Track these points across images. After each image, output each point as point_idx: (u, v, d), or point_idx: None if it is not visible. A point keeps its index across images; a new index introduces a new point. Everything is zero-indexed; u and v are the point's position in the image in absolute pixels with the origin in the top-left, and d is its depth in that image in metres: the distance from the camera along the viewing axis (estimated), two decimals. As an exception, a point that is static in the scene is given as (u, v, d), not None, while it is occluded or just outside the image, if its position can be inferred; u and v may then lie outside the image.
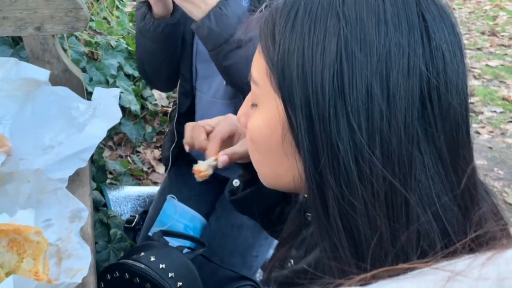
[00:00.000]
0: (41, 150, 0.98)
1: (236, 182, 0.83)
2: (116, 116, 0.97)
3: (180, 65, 1.20)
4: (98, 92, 1.07)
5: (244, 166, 0.81)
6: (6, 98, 1.07)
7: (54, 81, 1.16)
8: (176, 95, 1.38)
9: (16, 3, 1.05)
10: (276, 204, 0.83)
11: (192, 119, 1.25)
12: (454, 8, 6.02)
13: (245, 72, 0.98)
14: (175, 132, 1.26)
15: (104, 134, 0.95)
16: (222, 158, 0.76)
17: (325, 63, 0.43)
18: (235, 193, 0.83)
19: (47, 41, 1.12)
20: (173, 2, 1.01)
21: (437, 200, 0.43)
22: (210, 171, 0.76)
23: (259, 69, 0.51)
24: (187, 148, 0.82)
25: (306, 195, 0.65)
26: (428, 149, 0.43)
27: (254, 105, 0.55)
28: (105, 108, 1.00)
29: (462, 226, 0.44)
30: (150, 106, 2.06)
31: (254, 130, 0.54)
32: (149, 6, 1.06)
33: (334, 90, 0.43)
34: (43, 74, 1.09)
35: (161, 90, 1.62)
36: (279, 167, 0.53)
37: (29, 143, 1.00)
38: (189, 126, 0.82)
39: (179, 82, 1.24)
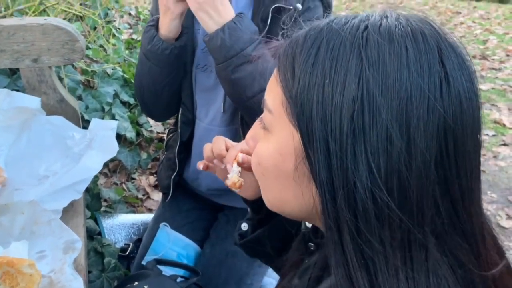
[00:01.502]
0: (36, 180, 0.99)
1: (244, 226, 0.83)
2: (112, 149, 0.98)
3: (182, 94, 1.21)
4: (95, 123, 1.08)
5: (252, 207, 0.81)
6: (1, 129, 1.08)
7: (50, 111, 1.18)
8: (171, 121, 1.39)
9: (14, 36, 1.08)
10: (290, 240, 0.79)
11: (191, 147, 1.26)
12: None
13: (251, 87, 1.02)
14: (177, 161, 1.27)
15: (100, 166, 0.96)
16: (241, 155, 0.72)
17: (345, 102, 0.44)
18: (244, 237, 0.82)
19: (43, 72, 1.15)
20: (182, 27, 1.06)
21: (452, 247, 0.45)
22: (241, 179, 0.72)
23: (274, 97, 0.52)
24: (200, 167, 0.81)
25: (311, 225, 0.66)
26: (443, 192, 0.45)
27: (265, 129, 0.55)
28: (102, 140, 1.01)
29: (475, 266, 0.46)
30: (145, 133, 2.07)
31: (263, 155, 0.55)
32: (157, 29, 1.09)
33: (353, 130, 0.44)
34: (35, 101, 1.11)
35: (157, 119, 1.63)
36: (286, 193, 0.54)
37: (24, 173, 1.01)
38: (208, 145, 0.82)
39: (180, 112, 1.25)
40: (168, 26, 1.06)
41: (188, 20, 1.12)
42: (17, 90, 1.24)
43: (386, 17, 0.48)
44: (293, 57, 0.49)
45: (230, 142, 0.78)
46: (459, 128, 0.45)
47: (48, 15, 2.18)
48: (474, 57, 4.98)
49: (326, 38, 0.47)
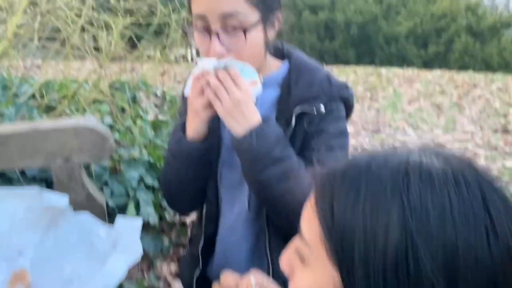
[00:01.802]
0: (61, 284, 0.99)
1: None
2: (137, 250, 0.99)
3: (207, 190, 1.22)
4: (121, 221, 1.09)
5: None
6: (28, 228, 1.10)
7: (77, 207, 1.19)
8: (194, 214, 1.39)
9: (48, 138, 1.13)
10: None
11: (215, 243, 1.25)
12: (464, 107, 6.18)
13: (277, 189, 1.03)
14: (200, 258, 1.25)
15: (124, 272, 0.95)
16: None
17: (388, 251, 0.43)
18: None
19: (73, 171, 1.18)
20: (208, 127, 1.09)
21: None
22: None
23: (310, 228, 0.51)
24: None
25: None
26: None
27: (301, 259, 0.54)
28: (126, 242, 1.02)
29: None
30: (168, 217, 2.07)
31: None
32: (184, 131, 1.12)
33: (398, 280, 0.43)
34: (63, 200, 1.14)
35: (181, 213, 1.64)
36: None
37: (49, 275, 1.01)
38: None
39: (205, 207, 1.25)
40: (196, 129, 1.09)
41: (214, 120, 1.15)
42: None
43: (425, 156, 0.48)
44: (332, 195, 0.49)
45: (238, 277, 0.78)
46: (508, 276, 0.43)
47: (80, 102, 2.29)
48: (496, 131, 4.96)
49: (365, 181, 0.47)
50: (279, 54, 1.23)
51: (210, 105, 1.05)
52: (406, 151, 0.50)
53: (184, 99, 1.24)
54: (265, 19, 1.06)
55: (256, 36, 1.05)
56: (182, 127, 1.13)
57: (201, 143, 1.11)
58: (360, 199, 0.47)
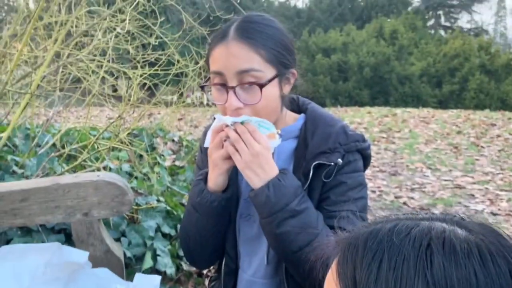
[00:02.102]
0: None
1: None
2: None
3: (225, 244, 1.22)
4: (139, 278, 1.08)
5: None
6: (48, 284, 1.09)
7: (96, 262, 1.20)
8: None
9: (69, 193, 1.14)
10: None
11: None
12: (482, 146, 6.10)
13: (295, 241, 1.02)
14: None
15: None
16: None
17: None
18: None
19: (92, 225, 1.18)
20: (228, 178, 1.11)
21: None
22: None
23: None
24: None
25: None
26: None
27: None
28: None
29: None
30: (185, 266, 2.04)
31: None
32: (205, 182, 1.13)
33: None
34: (83, 256, 1.13)
35: (200, 267, 1.62)
36: None
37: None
38: None
39: (224, 261, 1.24)
40: (216, 180, 1.10)
41: (233, 172, 1.16)
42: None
43: (448, 226, 0.47)
44: (354, 267, 0.48)
45: None
46: None
47: (99, 151, 2.33)
48: (517, 171, 4.87)
49: (387, 254, 0.46)
50: (295, 106, 1.24)
51: (229, 157, 1.06)
52: (429, 219, 0.49)
53: (203, 152, 1.27)
54: (281, 75, 1.08)
55: (272, 90, 1.07)
56: (204, 178, 1.14)
57: (222, 194, 1.12)
58: (382, 273, 0.46)
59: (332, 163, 1.09)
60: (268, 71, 1.05)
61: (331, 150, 1.11)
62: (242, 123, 1.04)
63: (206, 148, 1.13)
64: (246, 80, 1.03)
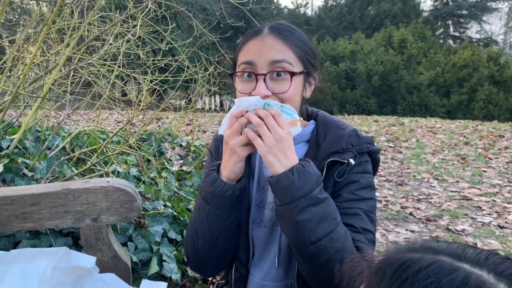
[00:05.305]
0: None
1: None
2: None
3: (237, 250, 1.21)
4: (146, 284, 1.09)
5: None
6: (55, 286, 1.10)
7: (104, 267, 1.21)
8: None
9: (78, 199, 1.15)
10: None
11: None
12: (490, 158, 6.06)
13: (314, 231, 1.00)
14: None
15: None
16: None
17: None
18: None
19: (101, 230, 1.19)
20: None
21: None
22: None
23: None
24: None
25: None
26: None
27: None
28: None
29: None
30: (190, 273, 2.05)
31: None
32: (218, 173, 1.12)
33: None
34: (91, 261, 1.14)
35: (206, 273, 1.58)
36: None
37: None
38: None
39: (234, 268, 1.23)
40: (232, 168, 1.08)
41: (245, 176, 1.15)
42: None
43: (491, 276, 0.45)
44: None
45: None
46: None
47: (109, 155, 2.34)
48: (525, 184, 4.82)
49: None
50: (304, 114, 1.26)
51: (247, 144, 1.05)
52: (474, 263, 0.47)
53: (216, 143, 1.28)
54: (306, 73, 1.12)
55: (299, 85, 1.10)
56: (216, 170, 1.12)
57: (237, 183, 1.10)
58: None
59: (346, 161, 1.10)
60: (297, 67, 1.09)
61: (343, 150, 1.13)
62: (264, 108, 1.03)
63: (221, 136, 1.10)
64: (277, 68, 1.06)
